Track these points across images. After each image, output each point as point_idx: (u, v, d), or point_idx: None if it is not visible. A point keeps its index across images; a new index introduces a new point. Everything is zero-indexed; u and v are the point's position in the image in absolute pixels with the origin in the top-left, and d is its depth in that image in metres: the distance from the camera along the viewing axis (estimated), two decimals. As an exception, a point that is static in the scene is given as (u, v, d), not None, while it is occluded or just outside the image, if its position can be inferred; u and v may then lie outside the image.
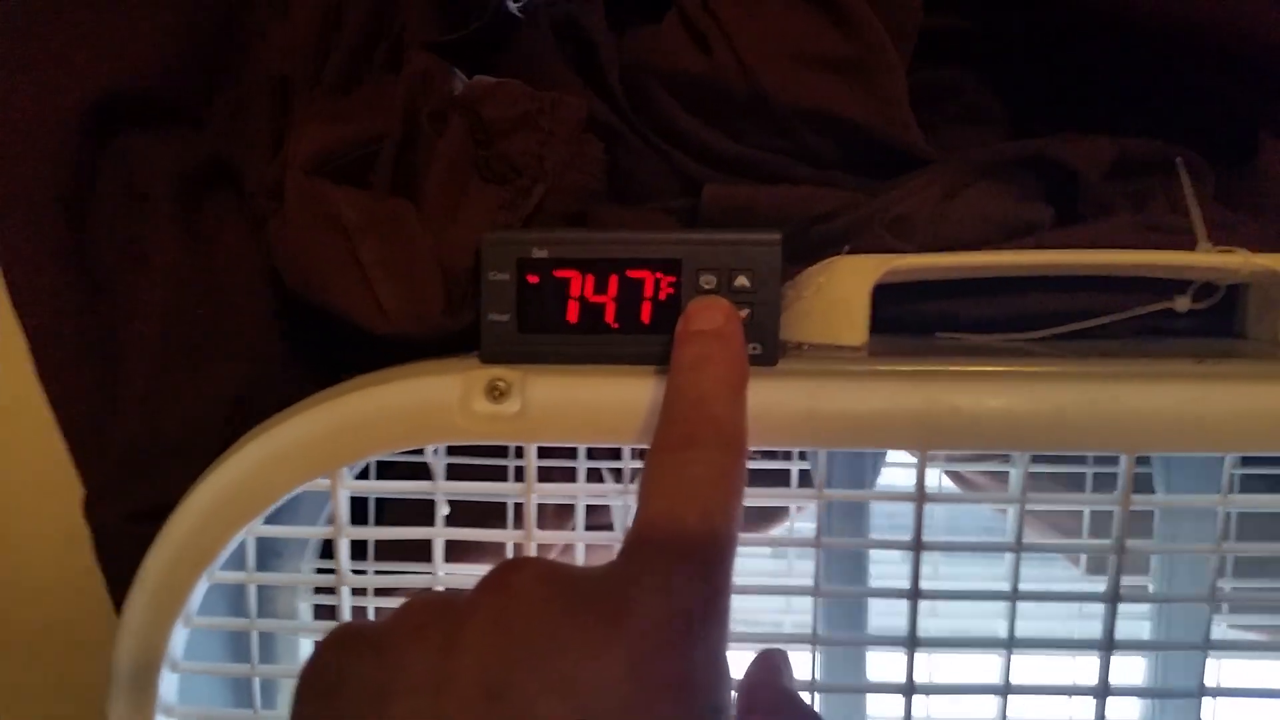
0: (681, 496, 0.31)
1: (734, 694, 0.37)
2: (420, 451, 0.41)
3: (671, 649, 0.28)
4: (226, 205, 0.51)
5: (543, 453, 0.40)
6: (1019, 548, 0.39)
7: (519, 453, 0.52)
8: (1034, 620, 0.46)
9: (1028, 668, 0.40)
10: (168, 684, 0.41)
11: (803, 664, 0.41)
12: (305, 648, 0.52)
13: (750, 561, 0.63)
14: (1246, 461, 0.45)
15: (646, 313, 0.39)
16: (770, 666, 0.38)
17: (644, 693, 0.27)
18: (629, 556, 0.30)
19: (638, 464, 0.46)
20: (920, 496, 0.38)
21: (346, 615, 0.42)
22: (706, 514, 0.30)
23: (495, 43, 0.52)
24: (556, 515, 0.54)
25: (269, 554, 0.50)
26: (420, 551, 0.49)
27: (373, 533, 0.42)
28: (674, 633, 0.28)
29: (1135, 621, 0.52)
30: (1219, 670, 0.42)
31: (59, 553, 0.51)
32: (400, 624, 0.30)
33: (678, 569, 0.29)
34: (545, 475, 0.40)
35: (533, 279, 0.39)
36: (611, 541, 0.42)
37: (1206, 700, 0.40)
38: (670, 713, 0.27)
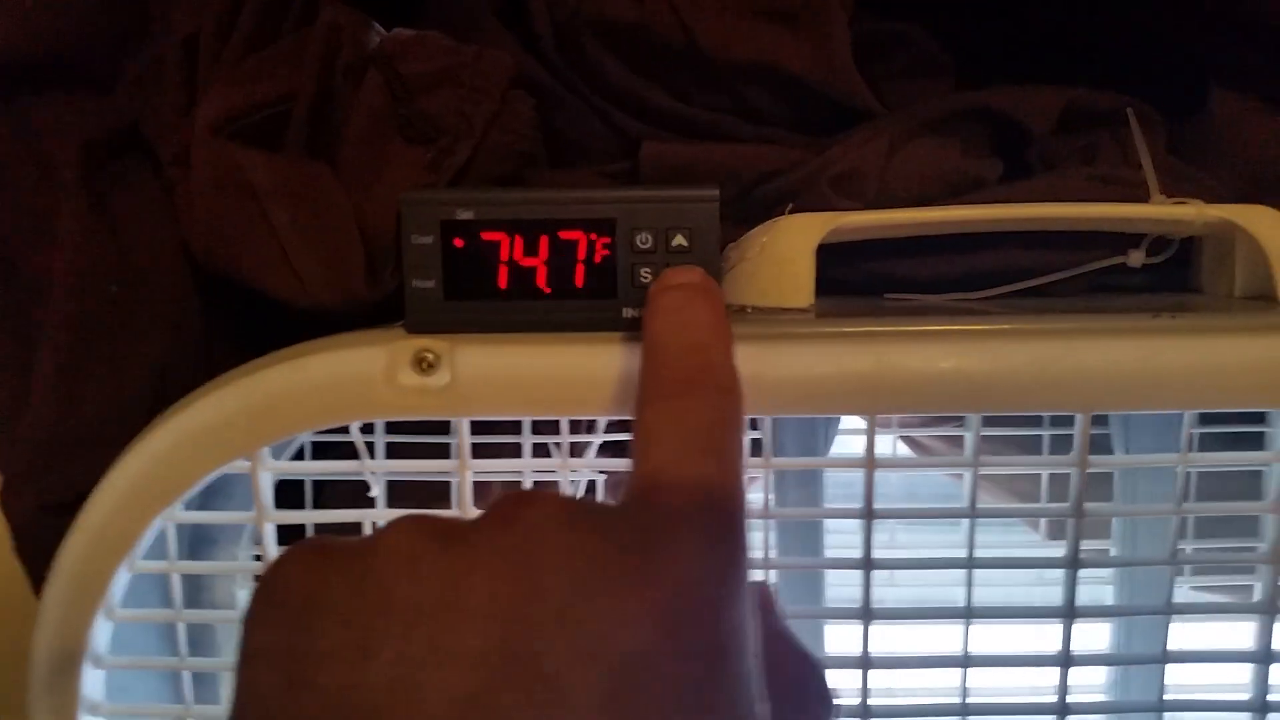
0: (691, 446, 0.28)
1: None
2: (346, 429, 0.38)
3: (707, 611, 0.25)
4: (139, 174, 0.48)
5: (488, 427, 0.38)
6: (973, 513, 0.37)
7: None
8: (996, 587, 0.45)
9: (990, 636, 0.39)
10: (92, 680, 0.39)
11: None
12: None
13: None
14: (1204, 420, 0.44)
15: (580, 276, 0.37)
16: (765, 602, 0.36)
17: (682, 661, 0.24)
18: (648, 501, 0.27)
19: (577, 438, 0.44)
20: (870, 463, 0.36)
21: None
22: (720, 463, 0.28)
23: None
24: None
25: (204, 541, 0.48)
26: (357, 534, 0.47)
27: (299, 516, 0.40)
28: (708, 592, 0.26)
29: (1098, 586, 0.51)
30: (1182, 632, 0.41)
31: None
32: (387, 548, 0.26)
33: (706, 522, 0.27)
34: (494, 452, 0.38)
35: (459, 242, 0.36)
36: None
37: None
38: (707, 678, 0.25)
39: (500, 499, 0.28)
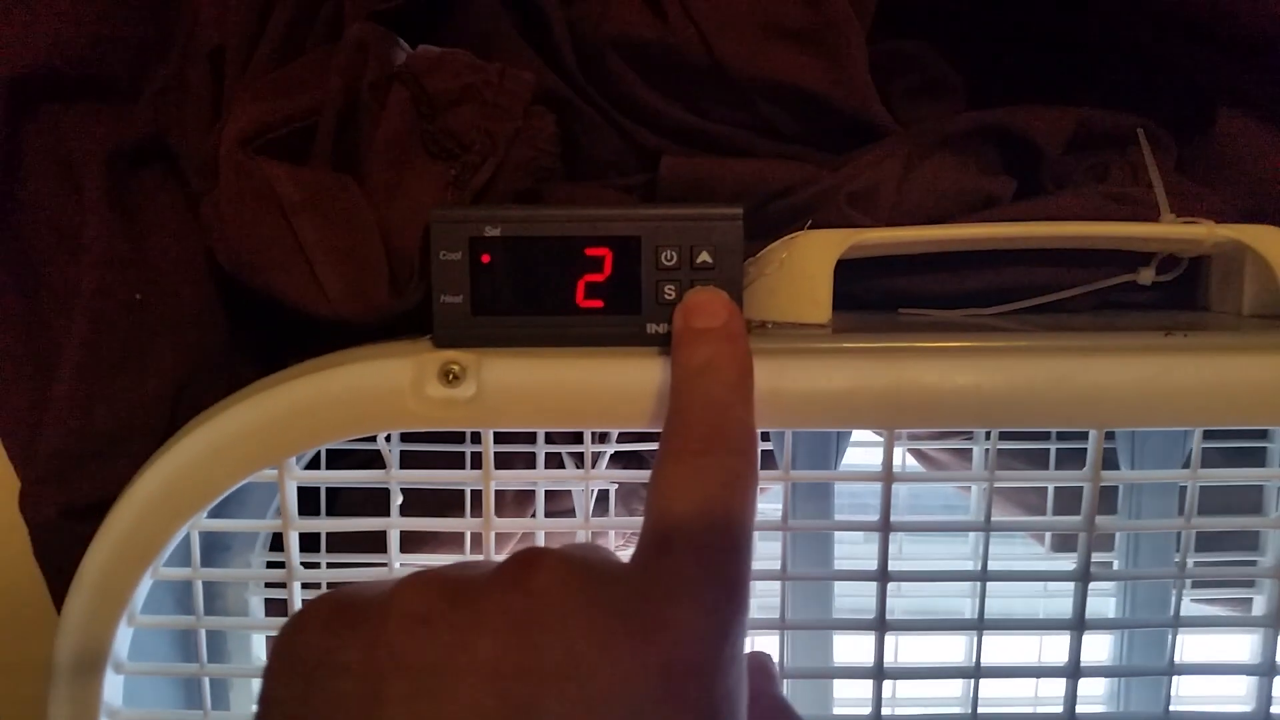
0: (701, 508, 0.29)
1: None
2: (373, 439, 0.39)
3: (704, 672, 0.27)
4: (162, 184, 0.49)
5: (501, 438, 0.38)
6: (988, 527, 0.38)
7: (475, 438, 0.51)
8: (999, 599, 0.45)
9: (993, 647, 0.40)
10: (111, 686, 0.39)
11: (769, 647, 0.40)
12: (257, 644, 0.50)
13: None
14: (1206, 434, 0.45)
15: (605, 292, 0.37)
16: (762, 672, 0.37)
17: (678, 718, 0.26)
18: (653, 563, 0.29)
19: (600, 448, 0.45)
20: (888, 476, 0.37)
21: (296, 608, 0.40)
22: (728, 527, 0.29)
23: (440, 10, 0.50)
24: (516, 502, 0.53)
25: (217, 548, 0.49)
26: (373, 542, 0.47)
27: (323, 524, 0.41)
28: (705, 655, 0.27)
29: (1100, 598, 0.52)
30: (1183, 645, 0.42)
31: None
32: (400, 607, 0.27)
33: (708, 586, 0.28)
34: (505, 461, 0.39)
35: (486, 259, 0.37)
36: (572, 529, 0.41)
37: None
38: None
39: (511, 559, 0.29)
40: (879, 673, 0.38)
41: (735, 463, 0.31)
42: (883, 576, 0.38)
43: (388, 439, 0.41)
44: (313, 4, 0.48)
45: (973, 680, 0.39)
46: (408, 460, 0.44)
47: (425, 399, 0.37)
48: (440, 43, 0.46)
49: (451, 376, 0.37)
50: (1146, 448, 0.48)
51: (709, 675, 0.27)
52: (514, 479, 0.40)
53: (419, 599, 0.28)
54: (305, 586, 0.40)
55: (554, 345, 0.37)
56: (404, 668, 0.26)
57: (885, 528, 0.37)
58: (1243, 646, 0.54)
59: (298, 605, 0.40)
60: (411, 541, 0.47)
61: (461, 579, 0.29)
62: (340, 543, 0.52)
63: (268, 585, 0.51)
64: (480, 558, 0.39)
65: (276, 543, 0.50)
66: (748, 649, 0.37)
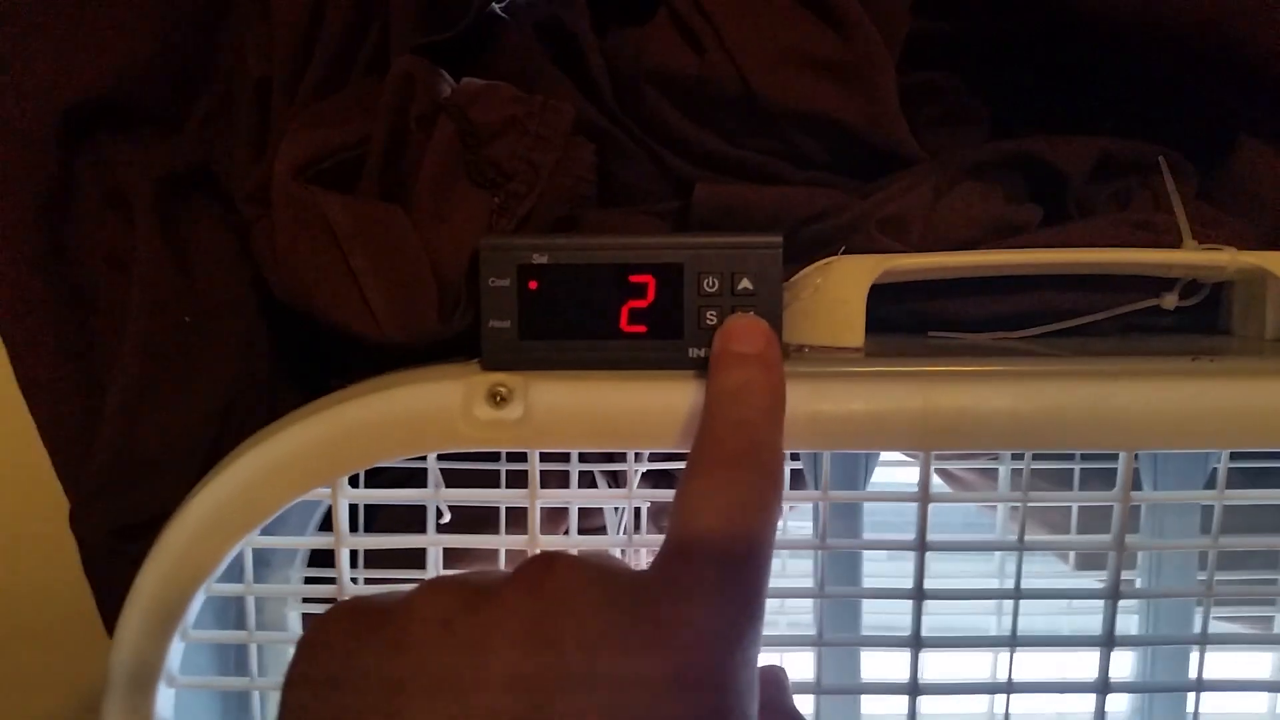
0: (723, 521, 0.30)
1: None
2: (422, 458, 0.40)
3: (718, 677, 0.28)
4: (208, 210, 0.50)
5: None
6: (1021, 546, 0.39)
7: (510, 457, 0.52)
8: (1024, 615, 0.46)
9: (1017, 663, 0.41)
10: (164, 699, 0.40)
11: (803, 664, 0.41)
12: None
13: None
14: (1232, 456, 0.46)
15: (648, 317, 0.38)
16: (774, 684, 0.38)
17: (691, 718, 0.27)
18: (672, 569, 0.30)
19: (645, 466, 0.46)
20: (924, 497, 0.38)
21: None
22: (748, 541, 0.30)
23: (479, 43, 0.52)
24: (549, 519, 0.54)
25: (258, 564, 0.50)
26: (406, 558, 0.48)
27: (374, 541, 0.42)
28: (722, 659, 0.28)
29: (1123, 615, 0.53)
30: (1204, 662, 0.43)
31: (50, 559, 0.50)
32: (419, 612, 0.29)
33: (724, 595, 0.29)
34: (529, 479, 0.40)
35: (533, 285, 0.38)
36: (614, 546, 0.42)
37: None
38: None
39: (526, 563, 0.30)
40: (914, 688, 0.39)
41: (761, 482, 0.32)
42: (919, 595, 0.39)
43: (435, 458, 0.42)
44: (357, 36, 0.49)
45: (1005, 696, 0.40)
46: (444, 478, 0.45)
47: (474, 420, 0.38)
48: (478, 73, 0.47)
49: (499, 399, 0.38)
50: (1167, 467, 0.49)
51: (721, 679, 0.28)
52: (557, 498, 0.41)
53: (438, 603, 0.29)
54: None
55: (599, 368, 0.39)
56: (425, 669, 0.27)
57: (922, 547, 0.38)
58: (1261, 663, 0.55)
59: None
60: (448, 558, 0.48)
61: (479, 584, 0.30)
62: (377, 559, 0.53)
63: (305, 600, 0.52)
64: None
65: (314, 559, 0.51)
66: (780, 664, 0.38)
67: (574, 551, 0.32)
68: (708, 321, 0.38)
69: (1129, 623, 0.54)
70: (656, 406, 0.38)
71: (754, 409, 0.34)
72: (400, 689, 0.27)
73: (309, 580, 0.52)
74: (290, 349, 0.50)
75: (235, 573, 0.41)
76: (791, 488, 0.53)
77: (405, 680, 0.27)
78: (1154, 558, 0.51)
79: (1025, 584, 0.40)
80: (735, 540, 0.30)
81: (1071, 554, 0.55)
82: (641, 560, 0.55)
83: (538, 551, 0.40)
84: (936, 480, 0.58)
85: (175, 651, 0.41)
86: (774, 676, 0.38)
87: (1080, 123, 0.51)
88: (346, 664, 0.28)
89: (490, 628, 0.28)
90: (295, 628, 0.52)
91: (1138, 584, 0.52)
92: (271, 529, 0.43)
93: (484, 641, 0.27)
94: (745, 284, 0.38)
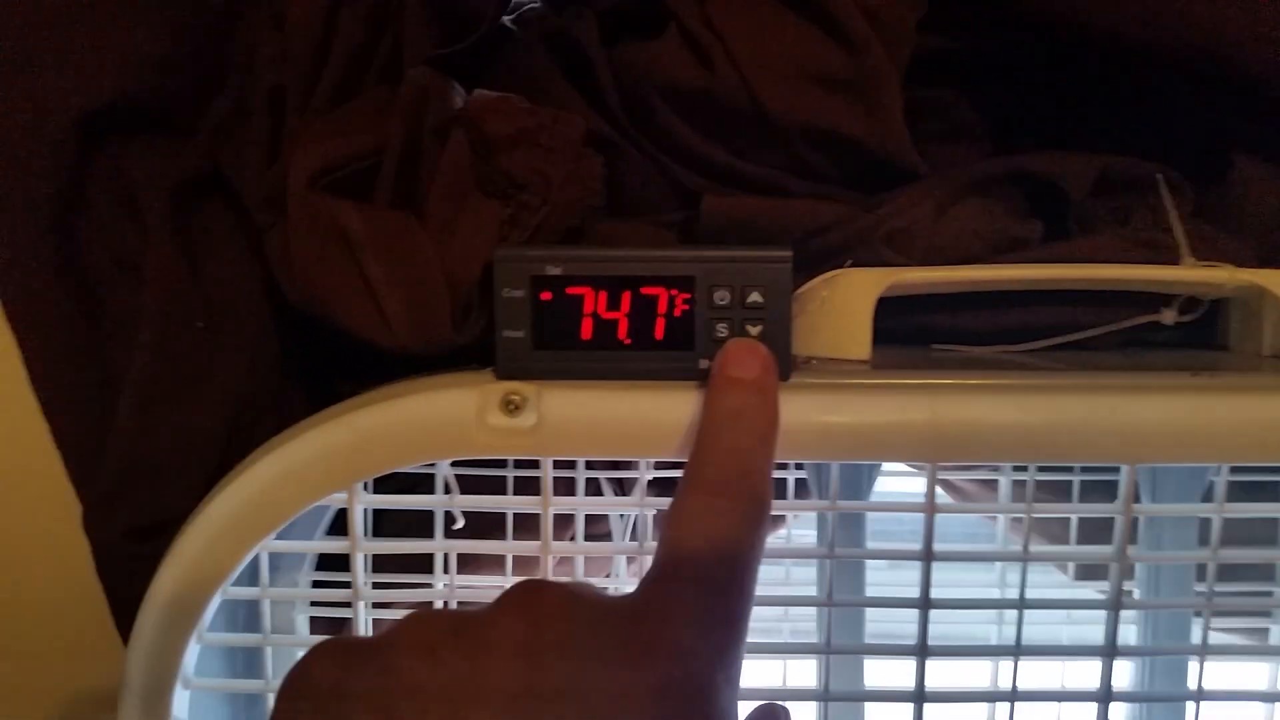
0: (711, 543, 0.31)
1: None
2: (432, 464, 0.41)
3: (702, 694, 0.28)
4: (220, 215, 0.51)
5: (535, 464, 0.40)
6: (1025, 557, 0.40)
7: (517, 463, 0.52)
8: (1025, 625, 0.47)
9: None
10: (179, 701, 0.41)
11: (808, 672, 0.42)
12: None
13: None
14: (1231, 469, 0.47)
15: (660, 329, 0.39)
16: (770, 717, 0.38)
17: None
18: (657, 593, 0.31)
19: (653, 474, 0.47)
20: (930, 508, 0.39)
21: (361, 628, 0.42)
22: (736, 561, 0.31)
23: (490, 55, 0.52)
24: (555, 525, 0.54)
25: (268, 567, 0.50)
26: (413, 563, 0.49)
27: (390, 546, 0.42)
28: (705, 677, 0.29)
29: (1122, 625, 0.54)
30: (1202, 672, 0.44)
31: (62, 562, 0.50)
32: (408, 640, 0.29)
33: (709, 614, 0.30)
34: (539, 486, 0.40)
35: (547, 296, 0.39)
36: (623, 553, 0.43)
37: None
38: None
39: (512, 589, 0.31)
40: (920, 696, 0.39)
41: (750, 508, 0.33)
42: (925, 604, 0.39)
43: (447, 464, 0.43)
44: (370, 46, 0.50)
45: (1009, 704, 0.40)
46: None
47: (488, 428, 0.38)
48: (489, 85, 0.48)
49: (513, 407, 0.38)
50: (1165, 480, 0.50)
51: (705, 696, 0.29)
52: (568, 505, 0.41)
53: (425, 631, 0.29)
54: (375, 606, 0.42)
55: (610, 378, 0.39)
56: (415, 692, 0.28)
57: (928, 557, 0.39)
58: (1258, 674, 0.56)
59: (361, 623, 0.41)
60: (458, 564, 0.48)
61: (463, 614, 0.30)
62: (384, 563, 0.54)
63: (313, 604, 0.52)
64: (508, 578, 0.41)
65: (320, 563, 0.52)
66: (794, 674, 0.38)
67: (597, 566, 0.32)
68: (718, 334, 0.39)
69: (1127, 633, 0.54)
70: (667, 417, 0.38)
71: (747, 435, 0.35)
72: (392, 706, 0.27)
73: (316, 584, 0.52)
74: (301, 353, 0.51)
75: (247, 576, 0.42)
76: (796, 496, 0.54)
77: (397, 698, 0.28)
78: (1153, 569, 0.51)
79: (1029, 594, 0.41)
80: (721, 564, 0.31)
81: (1071, 565, 0.55)
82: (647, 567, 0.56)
83: (543, 562, 0.41)
84: (939, 491, 0.59)
85: (191, 654, 0.41)
86: (770, 712, 0.39)
87: (1081, 140, 0.52)
88: (337, 690, 0.28)
89: (479, 651, 0.28)
90: (304, 631, 0.52)
91: (1136, 594, 0.52)
92: (281, 533, 0.44)
93: (474, 663, 0.28)
94: (755, 297, 0.39)
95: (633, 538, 0.55)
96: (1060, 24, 0.47)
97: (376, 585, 0.50)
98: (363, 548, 0.40)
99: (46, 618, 0.53)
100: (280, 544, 0.41)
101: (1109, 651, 0.39)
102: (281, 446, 0.39)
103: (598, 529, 0.56)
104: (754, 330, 0.39)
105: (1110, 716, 0.40)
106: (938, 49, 0.51)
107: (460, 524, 0.43)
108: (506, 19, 0.54)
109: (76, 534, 0.48)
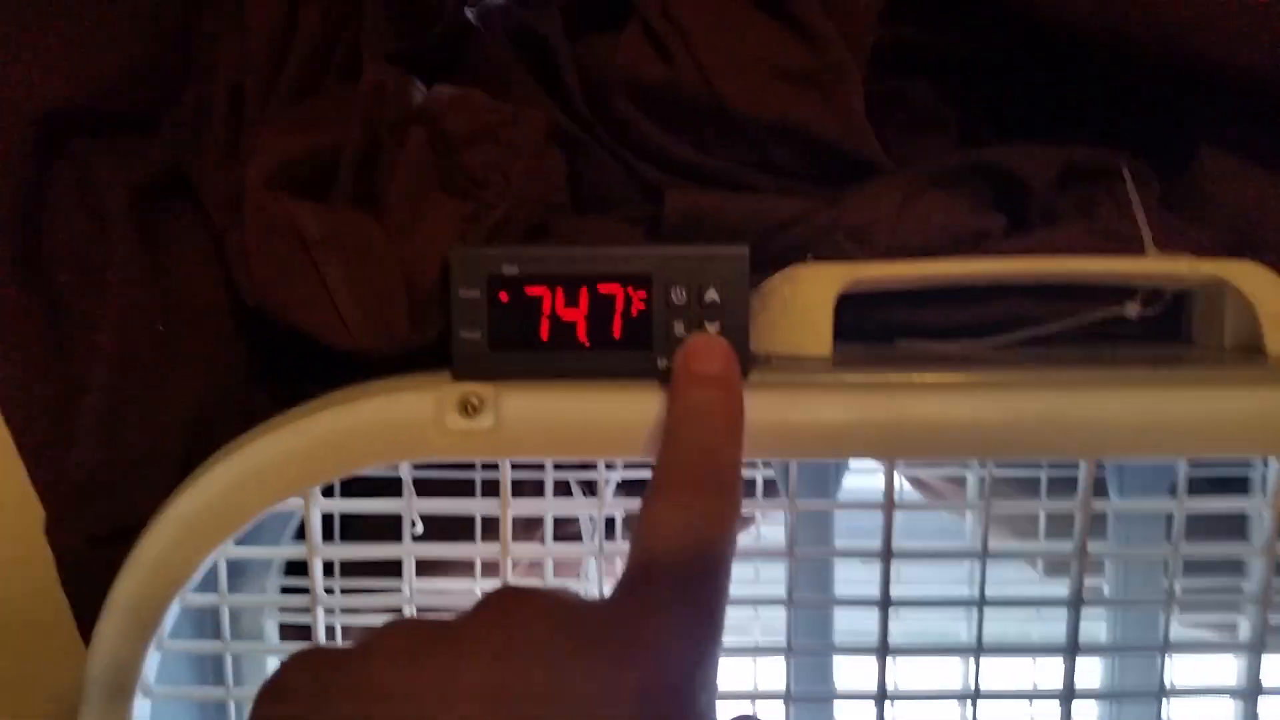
0: (683, 543, 0.31)
1: None
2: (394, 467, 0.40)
3: (681, 694, 0.28)
4: (182, 217, 0.50)
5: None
6: (984, 554, 0.40)
7: (485, 465, 0.52)
8: (995, 623, 0.47)
9: (988, 670, 0.41)
10: (140, 710, 0.40)
11: (774, 670, 0.42)
12: (272, 667, 0.51)
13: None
14: (1193, 462, 0.47)
15: (617, 327, 0.39)
16: None
17: None
18: (632, 595, 0.30)
19: (618, 475, 0.46)
20: (889, 505, 0.39)
21: (320, 635, 0.41)
22: (709, 558, 0.31)
23: (452, 50, 0.52)
24: (525, 528, 0.54)
25: (234, 573, 0.50)
26: (382, 567, 0.48)
27: (347, 551, 0.42)
28: (684, 676, 0.29)
29: (1091, 622, 0.53)
30: (1172, 668, 0.44)
31: (24, 568, 0.49)
32: (383, 648, 0.29)
33: (684, 614, 0.30)
34: (513, 489, 0.40)
35: (503, 296, 0.39)
36: (585, 554, 0.43)
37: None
38: None
39: (489, 595, 0.30)
40: (882, 695, 0.39)
41: (720, 505, 0.33)
42: (885, 603, 0.39)
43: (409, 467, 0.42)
44: (330, 43, 0.49)
45: (971, 703, 0.40)
46: (418, 486, 0.46)
47: (445, 430, 0.38)
48: (451, 80, 0.48)
49: (470, 408, 0.38)
50: (1133, 475, 0.50)
51: (684, 696, 0.28)
52: (530, 508, 0.41)
53: (402, 639, 0.29)
54: (328, 612, 0.41)
55: (568, 378, 0.39)
56: (393, 698, 0.27)
57: (887, 555, 0.39)
58: (1228, 668, 0.55)
59: (320, 630, 0.41)
60: (422, 567, 0.48)
61: (439, 621, 0.30)
62: (347, 568, 0.53)
63: (282, 610, 0.52)
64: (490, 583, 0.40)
65: (291, 568, 0.52)
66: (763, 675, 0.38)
67: (567, 568, 0.32)
68: (676, 333, 0.38)
69: (1098, 629, 0.54)
70: (626, 416, 0.38)
71: (714, 430, 0.35)
72: (371, 709, 0.27)
73: (285, 590, 0.52)
74: (263, 356, 0.50)
75: (212, 582, 0.41)
76: (765, 495, 0.54)
77: (376, 701, 0.28)
78: (1121, 565, 0.51)
79: (995, 590, 0.41)
80: (695, 562, 0.31)
81: (1040, 561, 0.55)
82: (616, 568, 0.55)
83: (503, 565, 0.40)
84: (906, 487, 0.58)
85: (152, 661, 0.41)
86: None
87: (1049, 129, 0.52)
88: (316, 697, 0.28)
89: (456, 657, 0.28)
90: (273, 637, 0.52)
91: (1105, 591, 0.52)
92: (247, 538, 0.43)
93: (451, 668, 0.28)
94: (712, 295, 0.38)
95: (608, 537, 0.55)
96: (1013, 13, 0.47)
97: (350, 591, 0.50)
98: (321, 553, 0.40)
99: (10, 624, 0.52)
100: (239, 550, 0.40)
101: (1071, 649, 0.39)
102: (236, 452, 0.39)
103: (567, 530, 0.56)
104: (711, 328, 0.38)
105: (1079, 714, 0.40)
106: (902, 39, 0.51)
107: (419, 529, 0.42)
108: (469, 13, 0.53)
109: (39, 540, 0.47)
